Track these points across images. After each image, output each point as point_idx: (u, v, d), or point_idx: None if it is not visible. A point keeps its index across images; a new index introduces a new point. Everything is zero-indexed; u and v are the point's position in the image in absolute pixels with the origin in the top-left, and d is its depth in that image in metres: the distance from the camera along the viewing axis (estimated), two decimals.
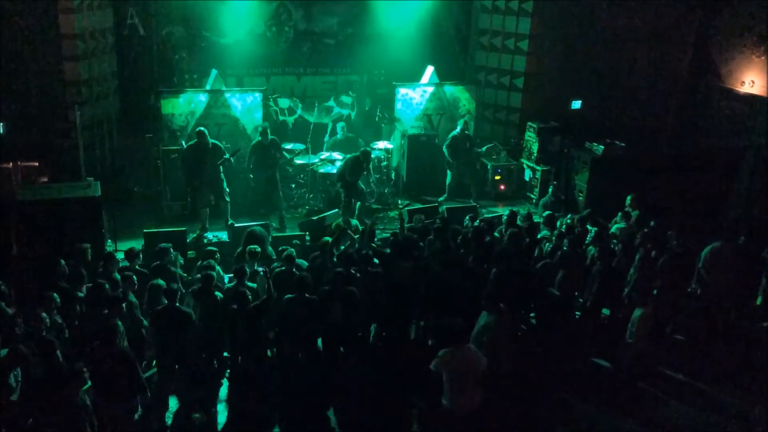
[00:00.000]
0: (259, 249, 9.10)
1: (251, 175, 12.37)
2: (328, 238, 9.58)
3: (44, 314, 7.20)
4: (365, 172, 12.73)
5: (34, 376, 6.66)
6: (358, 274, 8.76)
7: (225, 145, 12.01)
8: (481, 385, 7.00)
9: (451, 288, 8.75)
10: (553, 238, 10.23)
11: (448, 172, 14.01)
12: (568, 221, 10.85)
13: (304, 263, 9.20)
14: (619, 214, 11.30)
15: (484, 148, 14.80)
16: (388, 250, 9.56)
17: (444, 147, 13.82)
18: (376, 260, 9.22)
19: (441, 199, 13.87)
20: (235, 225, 11.29)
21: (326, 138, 14.76)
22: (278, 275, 8.67)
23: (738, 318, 10.25)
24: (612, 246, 10.04)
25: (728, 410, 8.64)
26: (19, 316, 7.53)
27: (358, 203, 12.62)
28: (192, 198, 12.05)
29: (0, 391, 6.50)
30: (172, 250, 9.20)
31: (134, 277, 8.41)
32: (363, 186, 12.77)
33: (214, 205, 11.92)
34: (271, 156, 12.22)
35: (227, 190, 11.83)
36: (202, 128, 11.71)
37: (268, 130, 12.29)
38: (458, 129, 13.80)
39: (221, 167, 11.64)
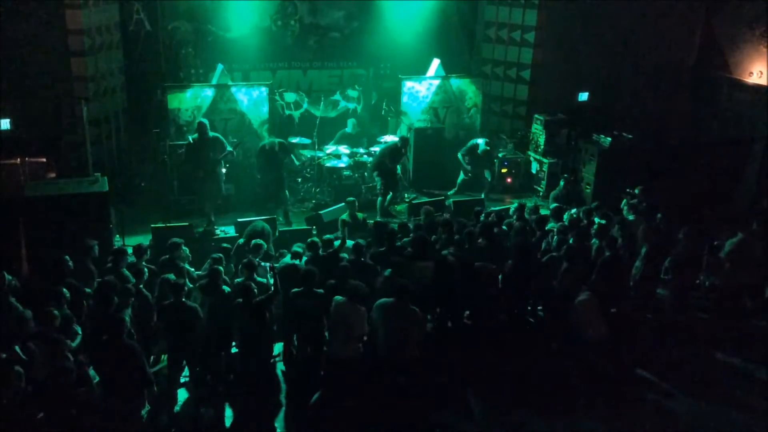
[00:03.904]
0: (262, 242, 9.08)
1: (258, 176, 12.36)
2: (316, 239, 9.56)
3: (56, 311, 7.21)
4: (404, 158, 12.91)
5: (39, 375, 6.67)
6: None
7: (231, 140, 12.04)
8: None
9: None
10: (555, 232, 10.19)
11: (461, 172, 14.02)
12: (573, 214, 10.81)
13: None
14: (626, 205, 11.25)
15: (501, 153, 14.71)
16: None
17: (459, 154, 13.85)
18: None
19: (450, 192, 13.87)
20: (239, 220, 11.28)
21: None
22: (283, 269, 8.68)
23: (751, 311, 10.22)
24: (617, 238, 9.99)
25: (737, 404, 8.64)
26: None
27: (389, 194, 12.72)
28: (197, 190, 12.09)
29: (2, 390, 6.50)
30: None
31: (145, 270, 8.44)
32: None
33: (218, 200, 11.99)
34: (278, 159, 12.22)
35: (222, 188, 11.94)
36: (203, 120, 11.76)
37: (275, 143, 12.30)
38: (481, 147, 13.72)
39: (222, 161, 11.69)
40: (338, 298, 7.88)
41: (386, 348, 7.80)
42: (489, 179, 13.99)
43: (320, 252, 9.06)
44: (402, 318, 7.69)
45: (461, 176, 14.01)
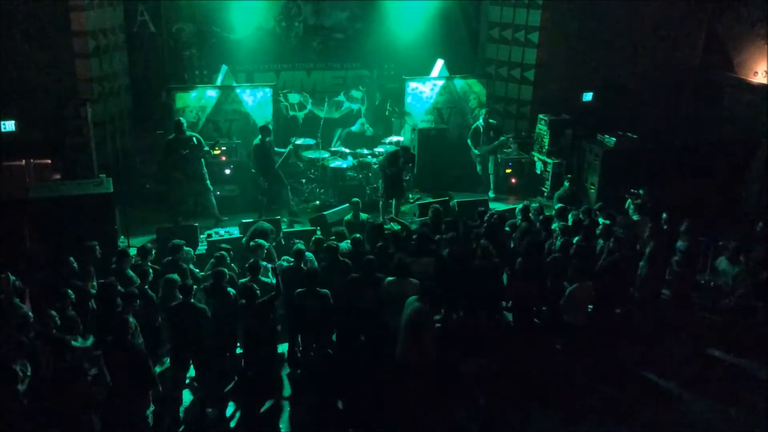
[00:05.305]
0: (262, 242, 9.05)
1: (260, 179, 12.29)
2: (333, 242, 9.51)
3: (53, 312, 7.23)
4: (407, 165, 12.79)
5: (44, 375, 6.68)
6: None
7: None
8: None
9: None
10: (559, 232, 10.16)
11: (477, 165, 14.05)
12: (575, 214, 10.77)
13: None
14: (631, 206, 11.23)
15: (503, 138, 14.58)
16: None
17: (468, 139, 13.90)
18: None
19: (492, 195, 13.89)
20: (243, 221, 11.27)
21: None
22: (286, 270, 8.69)
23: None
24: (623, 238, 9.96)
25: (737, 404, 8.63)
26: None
27: (393, 201, 12.64)
28: (173, 191, 12.10)
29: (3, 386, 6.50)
30: (185, 246, 9.21)
31: (150, 271, 8.45)
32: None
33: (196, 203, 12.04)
34: (270, 156, 12.15)
35: (210, 188, 11.93)
36: (180, 119, 11.80)
37: (269, 129, 12.26)
38: (480, 121, 13.82)
39: (203, 160, 11.70)
40: (389, 278, 8.22)
41: (401, 347, 7.80)
42: (505, 144, 14.13)
43: (339, 257, 8.97)
44: (418, 319, 7.67)
45: (479, 168, 14.06)
